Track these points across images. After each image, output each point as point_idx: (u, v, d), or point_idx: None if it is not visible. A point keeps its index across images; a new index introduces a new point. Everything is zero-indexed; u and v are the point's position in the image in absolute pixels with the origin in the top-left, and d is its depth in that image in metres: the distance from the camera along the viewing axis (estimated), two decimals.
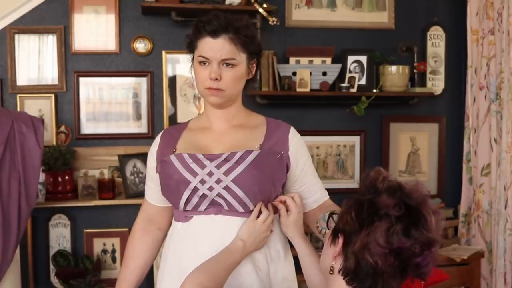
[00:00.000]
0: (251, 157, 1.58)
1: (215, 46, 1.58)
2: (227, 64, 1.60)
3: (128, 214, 3.11)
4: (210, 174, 1.57)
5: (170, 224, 1.76)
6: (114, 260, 3.22)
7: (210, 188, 1.56)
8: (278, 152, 1.64)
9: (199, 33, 1.61)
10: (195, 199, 1.58)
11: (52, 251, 3.12)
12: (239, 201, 1.57)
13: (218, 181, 1.56)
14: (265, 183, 1.59)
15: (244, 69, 1.64)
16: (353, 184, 3.47)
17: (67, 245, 3.15)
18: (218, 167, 1.57)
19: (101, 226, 3.19)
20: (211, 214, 1.59)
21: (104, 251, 3.22)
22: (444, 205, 3.38)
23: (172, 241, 1.67)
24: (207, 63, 1.61)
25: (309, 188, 1.72)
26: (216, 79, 1.59)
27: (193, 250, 1.59)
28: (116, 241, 3.21)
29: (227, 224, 1.58)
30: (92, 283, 2.97)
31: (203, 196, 1.57)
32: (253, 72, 1.69)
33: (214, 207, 1.59)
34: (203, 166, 1.58)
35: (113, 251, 3.22)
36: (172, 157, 1.62)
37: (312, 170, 1.74)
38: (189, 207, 1.60)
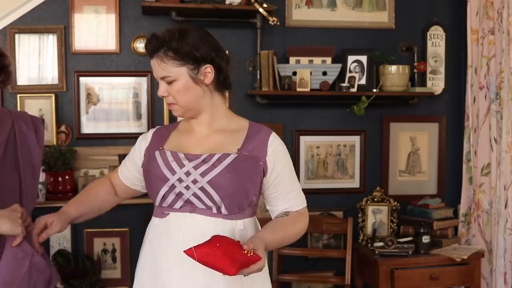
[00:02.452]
0: (227, 161, 1.62)
1: (153, 67, 1.67)
2: (167, 81, 1.65)
3: (128, 214, 3.12)
4: (188, 173, 1.62)
5: (126, 199, 1.90)
6: (114, 260, 3.22)
7: (187, 187, 1.61)
8: (255, 157, 1.66)
9: (147, 53, 1.69)
10: (171, 197, 1.63)
11: (52, 251, 3.12)
12: (213, 202, 1.61)
13: (195, 181, 1.61)
14: (239, 187, 1.62)
15: (185, 81, 1.64)
16: (354, 184, 3.47)
17: (67, 245, 3.16)
18: (195, 167, 1.62)
19: (101, 226, 3.19)
20: (186, 212, 1.63)
21: (104, 251, 3.22)
22: (444, 205, 3.38)
23: (148, 235, 1.72)
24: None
25: (283, 196, 1.73)
26: (164, 95, 1.68)
27: (166, 245, 1.63)
28: (116, 241, 3.22)
29: (200, 223, 1.61)
30: (92, 282, 2.98)
31: (179, 194, 1.62)
32: (211, 77, 1.66)
33: (189, 205, 1.63)
34: (182, 165, 1.63)
35: (113, 250, 3.22)
36: (157, 153, 1.69)
37: (289, 177, 1.74)
38: (165, 204, 1.65)
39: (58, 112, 3.16)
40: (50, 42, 3.14)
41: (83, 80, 3.18)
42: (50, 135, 3.12)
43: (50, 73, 3.16)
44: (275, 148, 1.70)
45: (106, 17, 3.17)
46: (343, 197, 3.42)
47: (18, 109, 3.08)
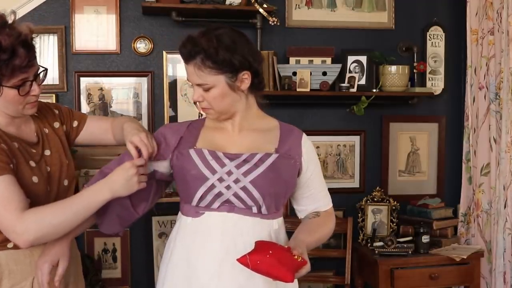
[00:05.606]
0: (269, 160, 1.62)
1: (189, 71, 1.63)
2: (204, 89, 1.62)
3: None
4: (229, 173, 1.60)
5: None
6: (114, 259, 3.23)
7: (228, 187, 1.59)
8: (293, 157, 1.68)
9: (181, 57, 1.64)
10: (209, 197, 1.61)
11: None
12: (255, 202, 1.60)
13: (236, 181, 1.59)
14: (279, 187, 1.64)
15: (222, 88, 1.61)
16: (353, 183, 3.48)
17: None
18: (237, 167, 1.60)
19: None
20: (224, 212, 1.61)
21: (105, 251, 3.22)
22: (444, 205, 3.39)
23: (179, 235, 1.68)
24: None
25: (314, 196, 1.76)
26: (199, 101, 1.64)
27: (202, 246, 1.61)
28: (116, 241, 3.22)
29: (239, 222, 1.61)
30: (92, 282, 2.98)
31: (219, 194, 1.60)
32: (248, 83, 1.64)
33: (228, 205, 1.61)
34: (222, 165, 1.61)
35: (114, 250, 3.23)
36: (192, 152, 1.64)
37: (319, 177, 1.78)
38: (202, 204, 1.62)
39: None
40: (50, 42, 3.15)
41: (83, 80, 3.19)
42: None
43: (50, 73, 3.14)
44: (308, 149, 1.73)
45: (106, 18, 3.18)
46: (343, 197, 3.43)
47: None
